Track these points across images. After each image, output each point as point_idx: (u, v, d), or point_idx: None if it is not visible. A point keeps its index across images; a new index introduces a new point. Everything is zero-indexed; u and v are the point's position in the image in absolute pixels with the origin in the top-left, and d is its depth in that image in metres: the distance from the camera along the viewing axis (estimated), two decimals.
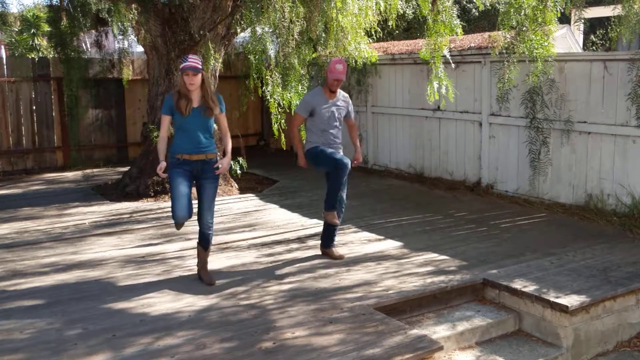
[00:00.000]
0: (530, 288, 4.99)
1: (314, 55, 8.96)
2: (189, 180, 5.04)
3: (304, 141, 5.94)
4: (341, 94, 5.75)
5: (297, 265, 5.65)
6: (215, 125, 5.19)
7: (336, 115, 5.67)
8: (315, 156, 5.64)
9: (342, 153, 5.71)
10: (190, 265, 5.64)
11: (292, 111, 7.07)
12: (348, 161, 5.53)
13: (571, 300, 4.75)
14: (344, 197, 5.73)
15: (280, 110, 8.17)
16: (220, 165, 5.11)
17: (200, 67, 4.92)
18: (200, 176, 5.08)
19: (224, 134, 5.26)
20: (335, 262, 5.73)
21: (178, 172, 4.99)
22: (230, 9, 8.59)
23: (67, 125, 11.06)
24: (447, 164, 9.31)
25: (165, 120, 5.05)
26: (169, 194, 5.40)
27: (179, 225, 5.05)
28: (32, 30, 17.38)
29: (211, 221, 5.17)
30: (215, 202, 8.17)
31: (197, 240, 5.30)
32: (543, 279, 5.20)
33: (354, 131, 6.00)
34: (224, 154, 5.24)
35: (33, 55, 15.01)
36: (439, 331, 4.62)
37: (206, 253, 5.26)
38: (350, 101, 5.91)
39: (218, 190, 8.65)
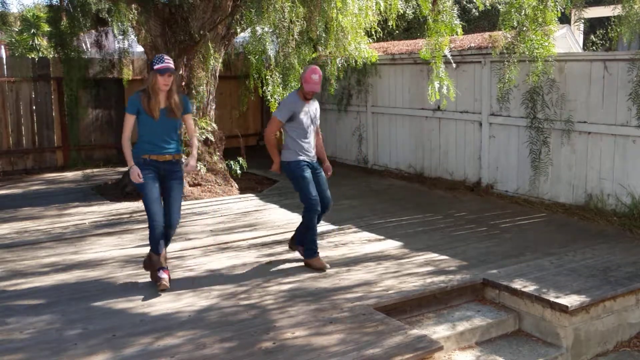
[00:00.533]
0: (530, 288, 4.99)
1: (314, 55, 8.96)
2: (158, 183, 5.00)
3: (284, 147, 5.66)
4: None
5: (297, 265, 5.65)
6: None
7: (313, 120, 5.60)
8: (294, 175, 5.48)
9: (316, 164, 5.63)
10: (191, 265, 5.65)
11: None
12: (319, 201, 5.44)
13: (571, 300, 4.75)
14: (329, 196, 5.64)
15: None
16: (187, 164, 5.08)
17: (174, 67, 4.92)
18: (168, 177, 5.02)
19: (191, 135, 5.20)
20: (336, 262, 5.72)
21: (148, 175, 4.93)
22: (230, 9, 8.59)
23: (67, 125, 11.06)
24: (447, 164, 9.31)
25: (131, 120, 4.95)
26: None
27: (158, 231, 4.97)
28: (32, 30, 17.40)
29: (179, 220, 5.17)
30: (216, 202, 8.23)
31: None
32: (543, 279, 5.20)
33: (319, 137, 5.80)
34: (190, 154, 5.19)
35: (33, 55, 15.01)
36: (439, 331, 4.62)
37: (165, 249, 5.19)
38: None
39: (218, 190, 8.72)
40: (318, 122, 5.76)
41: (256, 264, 5.70)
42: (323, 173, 5.66)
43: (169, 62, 4.88)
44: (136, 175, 4.86)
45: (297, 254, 5.93)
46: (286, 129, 5.53)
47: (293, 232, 5.86)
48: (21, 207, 8.13)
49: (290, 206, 7.97)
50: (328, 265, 5.54)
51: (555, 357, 4.68)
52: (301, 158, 5.49)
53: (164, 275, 5.03)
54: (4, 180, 10.14)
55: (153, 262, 5.11)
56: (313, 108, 5.61)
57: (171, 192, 5.07)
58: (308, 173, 5.49)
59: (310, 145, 5.57)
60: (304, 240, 5.59)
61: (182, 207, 7.78)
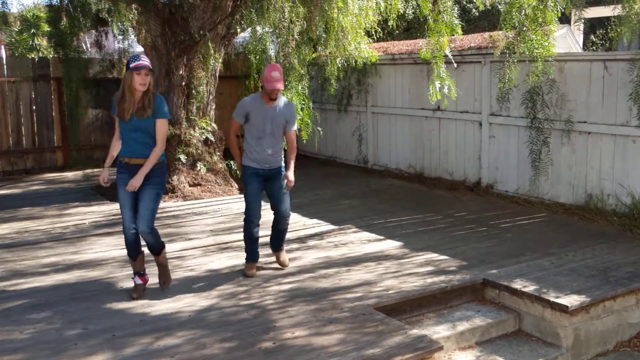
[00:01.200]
0: (530, 288, 4.99)
1: (314, 55, 8.96)
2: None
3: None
4: (283, 101, 5.31)
5: (297, 265, 5.65)
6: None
7: (271, 122, 5.19)
8: (243, 181, 5.40)
9: (273, 172, 5.34)
10: (191, 265, 5.65)
11: None
12: (255, 219, 5.34)
13: (571, 300, 4.75)
14: (283, 208, 5.41)
15: None
16: (130, 184, 4.72)
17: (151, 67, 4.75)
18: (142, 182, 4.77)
19: (157, 141, 4.79)
20: (336, 262, 5.73)
21: (121, 179, 4.79)
22: (230, 9, 8.59)
23: (67, 125, 11.06)
24: (447, 164, 9.30)
25: (116, 120, 4.87)
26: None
27: (128, 236, 4.83)
28: (32, 30, 17.43)
29: (147, 228, 4.80)
30: (216, 202, 8.22)
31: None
32: (543, 279, 5.20)
33: (290, 147, 5.34)
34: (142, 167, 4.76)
35: (33, 55, 15.03)
36: (439, 331, 4.62)
37: (158, 257, 4.98)
38: (294, 110, 5.38)
39: (218, 190, 8.71)
40: (293, 127, 5.33)
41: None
42: (281, 182, 5.29)
43: (145, 60, 4.69)
44: (101, 179, 4.88)
45: (297, 254, 5.93)
46: (245, 131, 5.32)
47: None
48: (21, 207, 8.13)
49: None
50: (254, 274, 5.39)
51: (555, 357, 4.68)
52: (251, 165, 5.29)
53: (138, 281, 4.96)
54: (4, 180, 10.15)
55: (132, 267, 5.02)
56: (278, 112, 5.22)
57: (142, 197, 4.78)
58: (254, 183, 5.30)
59: (263, 151, 5.23)
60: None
61: (183, 207, 7.80)
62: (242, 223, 7.12)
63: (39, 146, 11.00)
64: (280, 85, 5.11)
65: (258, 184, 5.33)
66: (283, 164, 5.40)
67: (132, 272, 5.46)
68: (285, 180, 5.24)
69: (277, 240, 5.63)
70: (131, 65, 4.64)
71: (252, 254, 5.49)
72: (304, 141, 8.81)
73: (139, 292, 4.92)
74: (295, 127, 5.37)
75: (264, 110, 5.21)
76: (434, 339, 4.26)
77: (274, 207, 5.48)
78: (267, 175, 5.35)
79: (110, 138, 5.16)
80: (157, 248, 4.98)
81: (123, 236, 4.92)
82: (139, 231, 4.83)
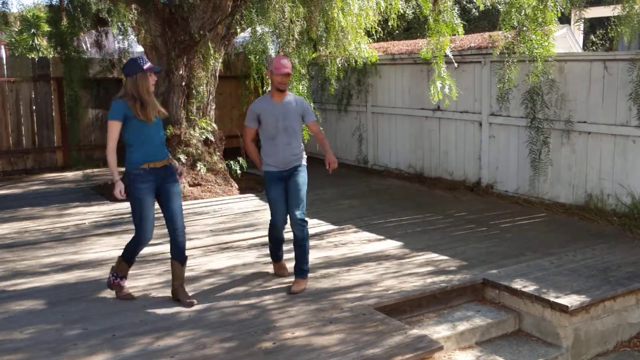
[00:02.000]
0: (530, 288, 4.99)
1: (314, 55, 8.97)
2: (154, 195, 4.72)
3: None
4: (292, 97, 5.10)
5: None
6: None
7: (284, 118, 4.96)
8: (265, 186, 5.17)
9: (304, 169, 5.10)
10: (191, 265, 5.63)
11: None
12: (280, 225, 5.07)
13: (571, 300, 4.75)
14: (296, 213, 4.96)
15: None
16: (180, 170, 4.83)
17: None
18: (165, 181, 4.70)
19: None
20: (336, 262, 5.73)
21: (145, 188, 4.65)
22: (230, 9, 8.60)
23: (67, 125, 11.06)
24: (447, 164, 9.31)
25: (117, 127, 4.57)
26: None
27: (144, 246, 4.78)
28: (32, 30, 17.43)
29: (183, 225, 4.77)
30: (216, 202, 8.23)
31: (171, 254, 4.83)
32: (543, 279, 5.20)
33: (318, 135, 5.20)
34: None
35: (33, 55, 15.02)
36: (439, 331, 4.62)
37: (183, 268, 4.81)
38: (307, 103, 5.14)
39: (218, 190, 8.72)
40: (312, 118, 5.11)
41: (256, 264, 5.70)
42: (298, 179, 5.02)
43: (150, 62, 4.65)
44: (118, 192, 4.57)
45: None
46: (259, 135, 5.13)
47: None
48: (21, 207, 8.13)
49: None
50: (284, 273, 5.32)
51: (555, 357, 4.68)
52: (270, 169, 5.06)
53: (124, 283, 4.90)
54: (4, 180, 10.14)
55: (122, 270, 4.90)
56: (289, 107, 5.01)
57: (169, 195, 4.71)
58: (275, 188, 5.02)
59: (280, 151, 4.99)
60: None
61: (183, 207, 7.79)
62: (242, 223, 7.17)
63: (39, 146, 11.00)
64: (288, 71, 4.91)
65: (280, 189, 5.04)
66: (303, 162, 5.13)
67: (132, 272, 5.43)
68: (330, 166, 4.98)
69: (297, 258, 5.06)
70: (145, 67, 4.53)
71: (277, 255, 5.36)
72: (305, 140, 8.81)
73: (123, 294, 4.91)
74: (314, 118, 5.14)
75: (273, 108, 4.99)
76: (434, 339, 4.26)
77: (288, 210, 5.02)
78: (286, 176, 5.05)
79: None
80: (185, 251, 4.83)
81: (135, 244, 4.75)
82: (179, 227, 4.70)
